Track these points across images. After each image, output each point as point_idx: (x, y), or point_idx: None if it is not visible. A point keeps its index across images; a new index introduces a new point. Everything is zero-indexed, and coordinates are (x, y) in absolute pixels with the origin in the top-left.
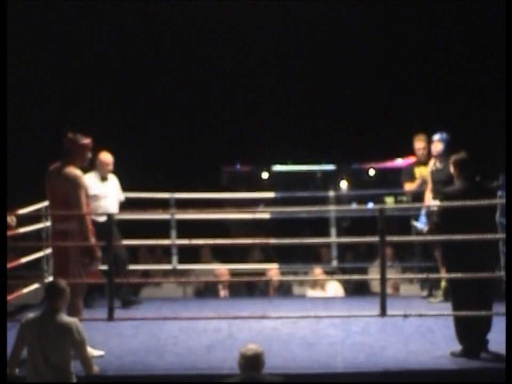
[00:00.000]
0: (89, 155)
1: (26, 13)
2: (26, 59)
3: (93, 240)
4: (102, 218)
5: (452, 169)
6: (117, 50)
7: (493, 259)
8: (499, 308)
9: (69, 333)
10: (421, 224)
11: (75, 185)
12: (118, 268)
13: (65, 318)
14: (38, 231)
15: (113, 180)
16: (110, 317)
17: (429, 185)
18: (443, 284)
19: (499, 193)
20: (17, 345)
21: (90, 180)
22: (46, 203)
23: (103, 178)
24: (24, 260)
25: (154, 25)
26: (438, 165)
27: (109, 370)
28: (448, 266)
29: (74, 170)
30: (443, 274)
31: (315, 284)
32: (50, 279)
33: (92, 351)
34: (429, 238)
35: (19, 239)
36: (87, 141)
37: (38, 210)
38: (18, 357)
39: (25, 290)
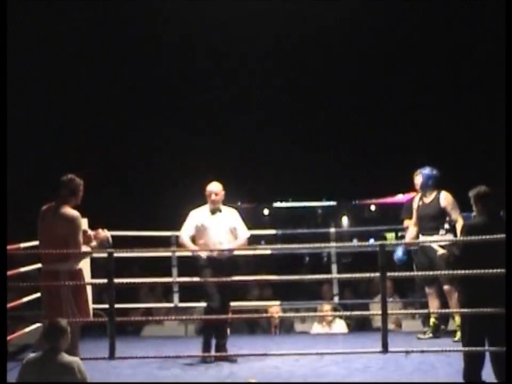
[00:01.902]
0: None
1: None
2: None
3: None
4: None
5: (472, 202)
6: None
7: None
8: None
9: (71, 372)
10: (397, 256)
11: (74, 226)
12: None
13: (66, 357)
14: (39, 270)
15: (226, 212)
16: (112, 356)
17: (413, 220)
18: (432, 320)
19: None
20: None
21: (200, 213)
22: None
23: (212, 211)
24: (25, 299)
25: None
26: (425, 199)
27: None
28: (463, 299)
29: (72, 211)
30: (433, 309)
31: (322, 320)
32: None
33: None
34: (431, 273)
35: (19, 278)
36: (81, 181)
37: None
38: None
39: (27, 329)
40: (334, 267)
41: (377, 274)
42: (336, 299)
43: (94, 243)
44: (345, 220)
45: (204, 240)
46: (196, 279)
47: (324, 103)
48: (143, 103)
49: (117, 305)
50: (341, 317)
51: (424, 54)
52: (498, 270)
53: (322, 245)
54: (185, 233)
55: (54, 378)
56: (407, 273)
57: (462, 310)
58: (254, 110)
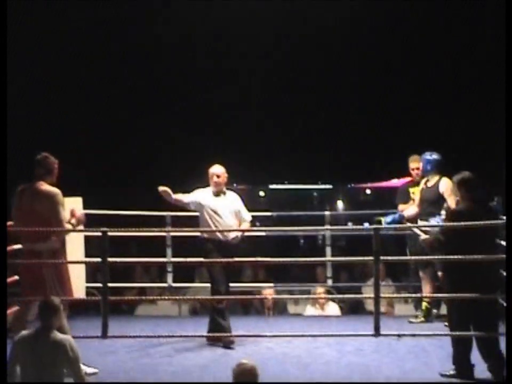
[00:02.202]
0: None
1: None
2: None
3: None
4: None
5: (456, 190)
6: None
7: (495, 280)
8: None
9: (62, 350)
10: (387, 219)
11: (55, 203)
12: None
13: (58, 335)
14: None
15: (230, 195)
16: (104, 335)
17: (416, 201)
18: (424, 304)
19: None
20: (11, 363)
21: (205, 194)
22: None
23: (217, 194)
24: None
25: None
26: (428, 184)
27: None
28: (448, 284)
29: (52, 188)
30: (426, 293)
31: (315, 302)
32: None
33: (86, 368)
34: (421, 258)
35: (13, 256)
36: (56, 160)
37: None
38: (12, 374)
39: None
40: (328, 250)
41: (371, 258)
42: (329, 282)
43: (73, 220)
44: (340, 204)
45: (212, 222)
46: (191, 259)
47: (321, 86)
48: (143, 100)
49: (110, 285)
50: (334, 300)
51: (424, 48)
52: (482, 256)
53: (317, 227)
54: (183, 195)
55: (46, 356)
56: (401, 258)
57: (451, 295)
58: (251, 93)
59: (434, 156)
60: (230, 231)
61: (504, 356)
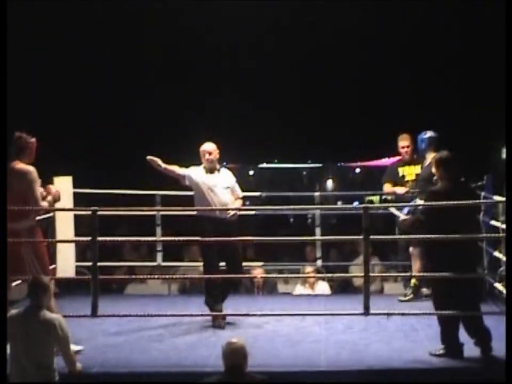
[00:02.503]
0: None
1: None
2: None
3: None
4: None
5: (433, 168)
6: None
7: (475, 259)
8: (482, 307)
9: (52, 329)
10: (402, 213)
11: (30, 180)
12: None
13: (48, 314)
14: None
15: (224, 171)
16: (94, 313)
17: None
18: (413, 281)
19: (483, 193)
20: None
21: (199, 170)
22: None
23: (210, 171)
24: None
25: None
26: (426, 162)
27: (92, 366)
28: (429, 265)
29: (25, 166)
30: (415, 271)
31: (305, 281)
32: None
33: (73, 347)
34: (412, 236)
35: None
36: (33, 139)
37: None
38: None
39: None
40: (318, 230)
41: (361, 237)
42: (319, 262)
43: (49, 198)
44: (330, 182)
45: (209, 199)
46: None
47: (311, 64)
48: (132, 80)
49: (100, 263)
50: (323, 279)
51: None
52: (470, 236)
53: (308, 206)
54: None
55: (35, 335)
56: (391, 237)
57: (437, 274)
58: (240, 72)
59: (429, 134)
60: (222, 209)
61: (489, 329)
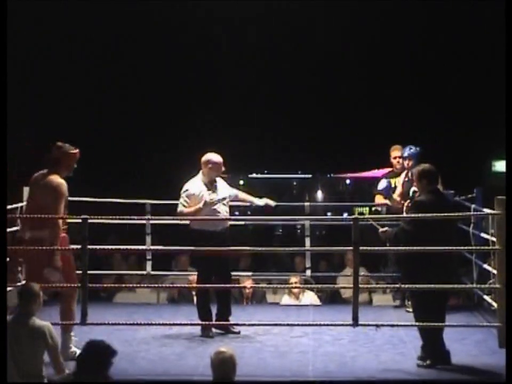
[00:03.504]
0: (75, 165)
1: None
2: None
3: (57, 248)
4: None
5: (416, 180)
6: None
7: (453, 270)
8: (471, 320)
9: (42, 337)
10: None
11: (56, 194)
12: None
13: (37, 322)
14: (12, 234)
15: (220, 182)
16: (83, 321)
17: (397, 192)
18: None
19: (473, 206)
20: None
21: (197, 186)
22: (20, 205)
23: (211, 183)
24: None
25: None
26: (410, 176)
27: None
28: (409, 275)
29: (57, 179)
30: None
31: (290, 292)
32: (24, 282)
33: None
34: (402, 248)
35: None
36: (75, 151)
37: (13, 212)
38: None
39: None
40: (308, 240)
41: (350, 248)
42: (308, 272)
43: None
44: (320, 193)
45: (210, 215)
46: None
47: (302, 76)
48: (125, 90)
49: (89, 272)
50: (312, 289)
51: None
52: (453, 248)
53: (297, 217)
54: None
55: (25, 342)
56: (381, 248)
57: (424, 286)
58: (234, 84)
59: (412, 150)
60: (210, 219)
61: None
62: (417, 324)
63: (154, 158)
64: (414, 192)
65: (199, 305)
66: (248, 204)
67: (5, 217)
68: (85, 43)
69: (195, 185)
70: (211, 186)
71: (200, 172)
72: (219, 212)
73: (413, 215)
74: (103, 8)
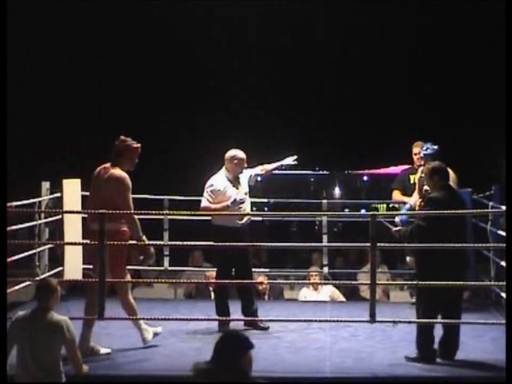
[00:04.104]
0: (137, 160)
1: None
2: None
3: (144, 238)
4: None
5: (427, 178)
6: None
7: (464, 267)
8: (488, 317)
9: (59, 331)
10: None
11: (122, 187)
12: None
13: (55, 316)
14: (30, 229)
15: (242, 177)
16: (100, 316)
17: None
18: None
19: (491, 203)
20: (7, 343)
21: (223, 182)
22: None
23: (236, 178)
24: (16, 257)
25: None
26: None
27: (98, 369)
28: (423, 270)
29: (120, 173)
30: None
31: (309, 284)
32: (42, 276)
33: (100, 349)
34: (419, 245)
35: (9, 236)
36: (138, 145)
37: (31, 206)
38: (7, 355)
39: (17, 287)
40: (325, 237)
41: (368, 245)
42: (325, 269)
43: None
44: (337, 190)
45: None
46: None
47: (319, 71)
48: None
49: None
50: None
51: (424, 35)
52: (456, 244)
53: (315, 213)
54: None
55: (42, 336)
56: (398, 245)
57: (432, 282)
58: (247, 79)
59: (429, 150)
60: (233, 215)
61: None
62: (435, 320)
63: (154, 158)
64: (426, 191)
65: (217, 300)
66: (276, 170)
67: (5, 217)
68: (85, 43)
69: (220, 181)
70: (235, 182)
71: (224, 167)
72: (241, 208)
73: (427, 211)
74: (103, 8)
